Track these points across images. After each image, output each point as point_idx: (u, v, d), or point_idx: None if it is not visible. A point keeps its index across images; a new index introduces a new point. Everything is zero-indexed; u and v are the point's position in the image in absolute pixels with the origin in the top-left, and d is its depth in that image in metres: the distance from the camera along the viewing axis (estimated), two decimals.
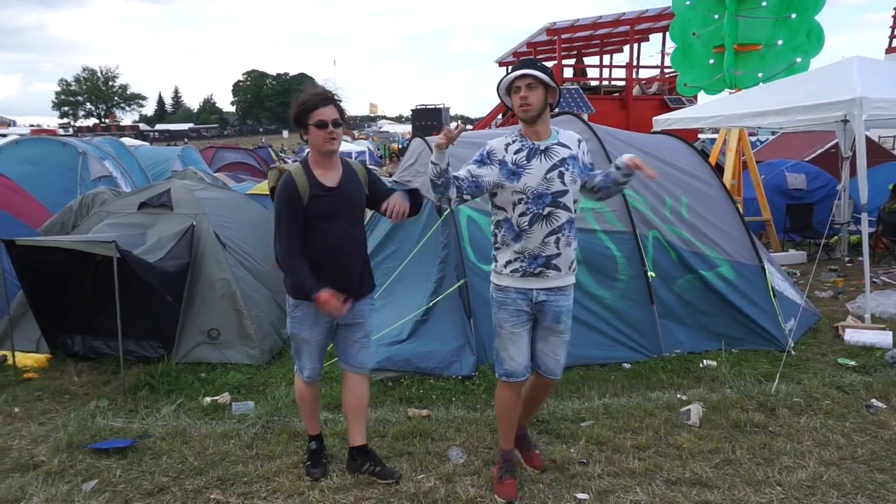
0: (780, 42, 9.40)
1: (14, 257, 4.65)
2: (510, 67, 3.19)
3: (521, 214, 2.95)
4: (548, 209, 2.93)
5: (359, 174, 3.19)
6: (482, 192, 2.99)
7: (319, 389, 3.51)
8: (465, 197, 2.96)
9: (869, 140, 7.77)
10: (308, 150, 3.10)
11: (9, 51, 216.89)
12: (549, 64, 19.10)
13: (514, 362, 3.05)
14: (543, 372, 3.15)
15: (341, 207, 3.05)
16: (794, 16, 9.26)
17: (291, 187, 2.98)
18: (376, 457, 3.35)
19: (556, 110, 3.93)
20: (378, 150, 38.68)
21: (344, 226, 3.06)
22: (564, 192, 2.94)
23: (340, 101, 3.06)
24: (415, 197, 3.13)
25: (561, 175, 2.94)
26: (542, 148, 2.97)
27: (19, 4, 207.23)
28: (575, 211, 3.03)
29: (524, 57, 3.15)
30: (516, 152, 2.97)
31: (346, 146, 32.75)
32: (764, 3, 9.36)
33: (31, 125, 70.18)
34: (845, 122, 7.05)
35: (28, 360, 4.86)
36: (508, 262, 3.01)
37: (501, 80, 3.00)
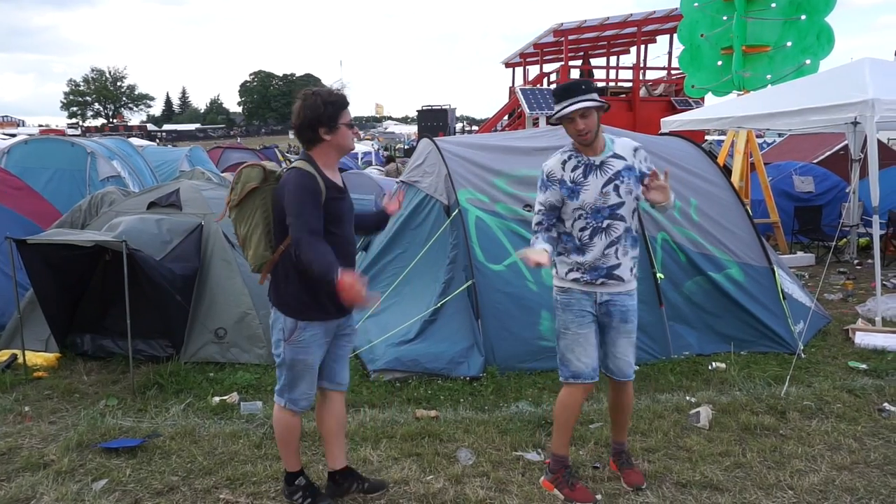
0: (789, 44, 9.35)
1: (24, 256, 4.66)
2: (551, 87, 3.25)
3: (582, 229, 3.03)
4: (606, 222, 3.00)
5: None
6: (559, 211, 3.08)
7: None
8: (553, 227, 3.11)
9: (879, 142, 7.71)
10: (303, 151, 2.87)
11: (24, 51, 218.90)
12: (556, 65, 18.91)
13: (580, 363, 3.04)
14: (616, 375, 3.16)
15: (349, 210, 2.92)
16: (803, 17, 9.22)
17: (316, 189, 2.71)
18: (360, 475, 3.17)
19: None
20: (385, 150, 38.77)
21: (349, 230, 2.93)
22: (621, 205, 3.00)
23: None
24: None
25: (616, 188, 2.99)
26: (596, 163, 3.02)
27: (34, 6, 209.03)
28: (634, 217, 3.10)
29: (570, 81, 3.11)
30: (573, 170, 3.03)
31: (355, 146, 32.76)
32: (773, 5, 9.33)
33: (40, 125, 70.66)
34: (855, 123, 7.02)
35: (38, 359, 4.88)
36: (569, 272, 3.07)
37: (553, 113, 3.02)
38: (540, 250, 2.95)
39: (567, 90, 2.96)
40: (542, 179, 3.09)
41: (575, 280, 3.06)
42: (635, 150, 3.08)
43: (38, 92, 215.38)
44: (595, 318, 3.06)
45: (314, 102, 2.77)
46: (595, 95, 2.95)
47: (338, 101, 2.80)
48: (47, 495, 3.15)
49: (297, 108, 2.80)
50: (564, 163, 3.05)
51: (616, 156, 3.03)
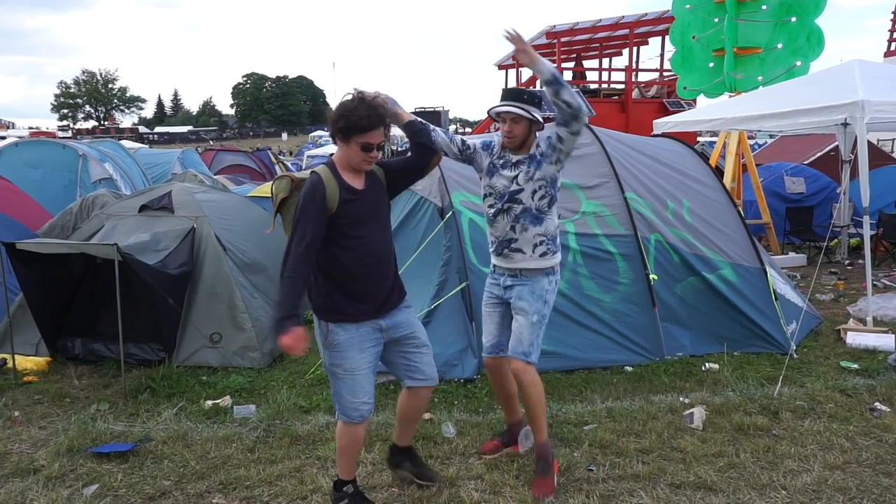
0: (779, 46, 9.40)
1: (14, 260, 4.63)
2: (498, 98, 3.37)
3: (490, 206, 3.30)
4: (507, 204, 3.23)
5: (378, 175, 2.97)
6: (461, 157, 3.30)
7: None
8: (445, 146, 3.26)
9: (869, 143, 7.77)
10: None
11: (17, 54, 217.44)
12: None
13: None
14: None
15: (372, 210, 2.84)
16: (793, 19, 9.27)
17: (321, 197, 2.70)
18: (418, 458, 3.28)
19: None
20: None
21: (377, 231, 2.85)
22: (520, 191, 3.20)
23: (389, 123, 2.83)
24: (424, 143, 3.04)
25: (516, 178, 3.20)
26: (513, 161, 3.23)
27: (27, 8, 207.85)
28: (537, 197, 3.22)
29: (518, 88, 3.24)
30: (499, 157, 3.28)
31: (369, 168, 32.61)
32: (764, 7, 9.38)
33: (31, 127, 70.15)
34: (845, 125, 7.06)
35: (28, 363, 4.84)
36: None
37: (492, 107, 3.23)
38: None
39: (510, 93, 3.20)
40: (482, 142, 3.34)
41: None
42: (547, 137, 3.17)
43: (30, 94, 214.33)
44: (500, 299, 3.35)
45: (339, 108, 2.73)
46: (531, 109, 3.13)
47: (357, 121, 2.69)
48: (37, 501, 3.12)
49: (338, 104, 2.78)
50: (491, 150, 3.30)
51: (530, 156, 3.20)
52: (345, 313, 2.79)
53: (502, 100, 3.20)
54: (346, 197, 2.76)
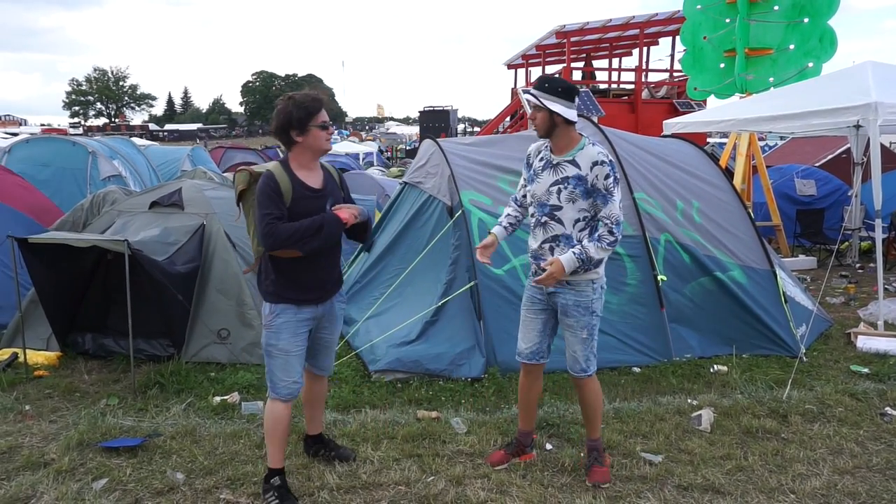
0: (792, 46, 9.34)
1: (26, 255, 4.66)
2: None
3: (532, 215, 3.26)
4: (545, 218, 3.16)
5: (334, 176, 3.17)
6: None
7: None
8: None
9: (882, 146, 7.70)
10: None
11: (31, 51, 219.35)
12: (558, 67, 18.86)
13: (520, 343, 3.42)
14: (568, 368, 3.37)
15: (323, 209, 2.99)
16: (806, 20, 9.21)
17: (274, 187, 2.88)
18: (331, 442, 3.50)
19: None
20: (387, 150, 38.79)
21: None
22: (559, 208, 3.12)
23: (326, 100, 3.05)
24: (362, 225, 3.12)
25: (559, 192, 3.11)
26: (554, 162, 3.16)
27: (43, 6, 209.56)
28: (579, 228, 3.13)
29: (551, 77, 3.20)
30: (540, 160, 3.24)
31: (354, 147, 32.88)
32: (776, 8, 9.32)
33: (42, 124, 70.76)
34: (858, 127, 7.01)
35: (39, 357, 4.87)
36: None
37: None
38: (487, 239, 3.32)
39: (539, 80, 3.16)
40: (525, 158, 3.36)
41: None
42: (595, 164, 3.05)
43: (43, 91, 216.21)
44: (544, 305, 3.26)
45: (286, 107, 2.90)
46: (553, 99, 3.04)
47: (309, 105, 2.89)
48: (47, 494, 3.15)
49: (274, 113, 2.98)
50: (539, 151, 3.27)
51: (573, 162, 3.10)
52: (288, 298, 2.98)
53: (534, 86, 3.15)
54: (300, 193, 2.93)
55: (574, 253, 3.03)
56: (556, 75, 3.38)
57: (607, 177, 3.03)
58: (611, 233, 3.03)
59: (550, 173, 3.13)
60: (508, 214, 3.43)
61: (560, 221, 3.11)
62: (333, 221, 2.93)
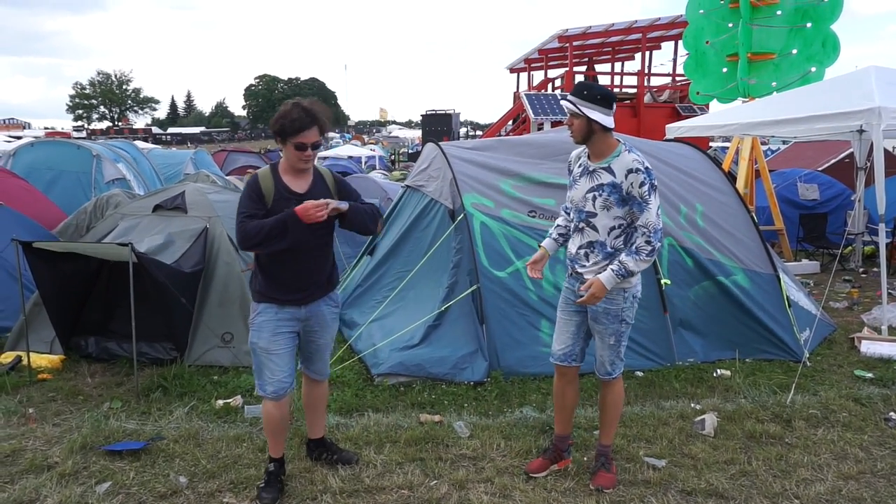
0: (794, 51, 9.36)
1: (30, 259, 4.68)
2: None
3: (571, 220, 3.31)
4: (581, 224, 3.19)
5: (327, 180, 3.17)
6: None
7: (290, 407, 3.34)
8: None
9: (885, 150, 7.70)
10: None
11: (36, 55, 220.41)
12: (560, 71, 18.90)
13: (554, 345, 3.37)
14: (595, 371, 3.41)
15: None
16: (809, 25, 9.22)
17: (255, 188, 2.97)
18: (333, 446, 3.51)
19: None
20: (390, 154, 38.85)
21: (306, 231, 2.94)
22: (594, 215, 3.12)
23: (324, 121, 2.98)
24: (369, 211, 3.13)
25: (594, 199, 3.11)
26: (590, 168, 3.17)
27: (48, 10, 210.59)
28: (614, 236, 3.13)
29: (583, 83, 3.23)
30: (579, 166, 3.27)
31: (356, 151, 32.95)
32: (779, 12, 9.33)
33: (46, 128, 70.99)
34: (861, 131, 7.00)
35: (42, 360, 4.88)
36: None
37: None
38: (537, 254, 3.34)
39: (577, 86, 3.15)
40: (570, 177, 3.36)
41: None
42: (630, 171, 3.03)
43: (47, 95, 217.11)
44: (578, 308, 3.23)
45: (282, 112, 2.94)
46: (590, 107, 3.04)
47: (297, 121, 2.89)
48: (51, 498, 3.15)
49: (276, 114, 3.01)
50: (579, 157, 3.29)
51: (608, 169, 3.09)
52: (271, 298, 3.05)
53: (571, 93, 3.15)
54: (282, 195, 2.98)
55: (613, 270, 3.02)
56: (594, 82, 3.36)
57: (642, 184, 3.00)
58: (648, 243, 3.01)
59: (587, 180, 3.15)
60: (558, 225, 3.43)
61: (595, 228, 3.11)
62: (292, 217, 2.86)
